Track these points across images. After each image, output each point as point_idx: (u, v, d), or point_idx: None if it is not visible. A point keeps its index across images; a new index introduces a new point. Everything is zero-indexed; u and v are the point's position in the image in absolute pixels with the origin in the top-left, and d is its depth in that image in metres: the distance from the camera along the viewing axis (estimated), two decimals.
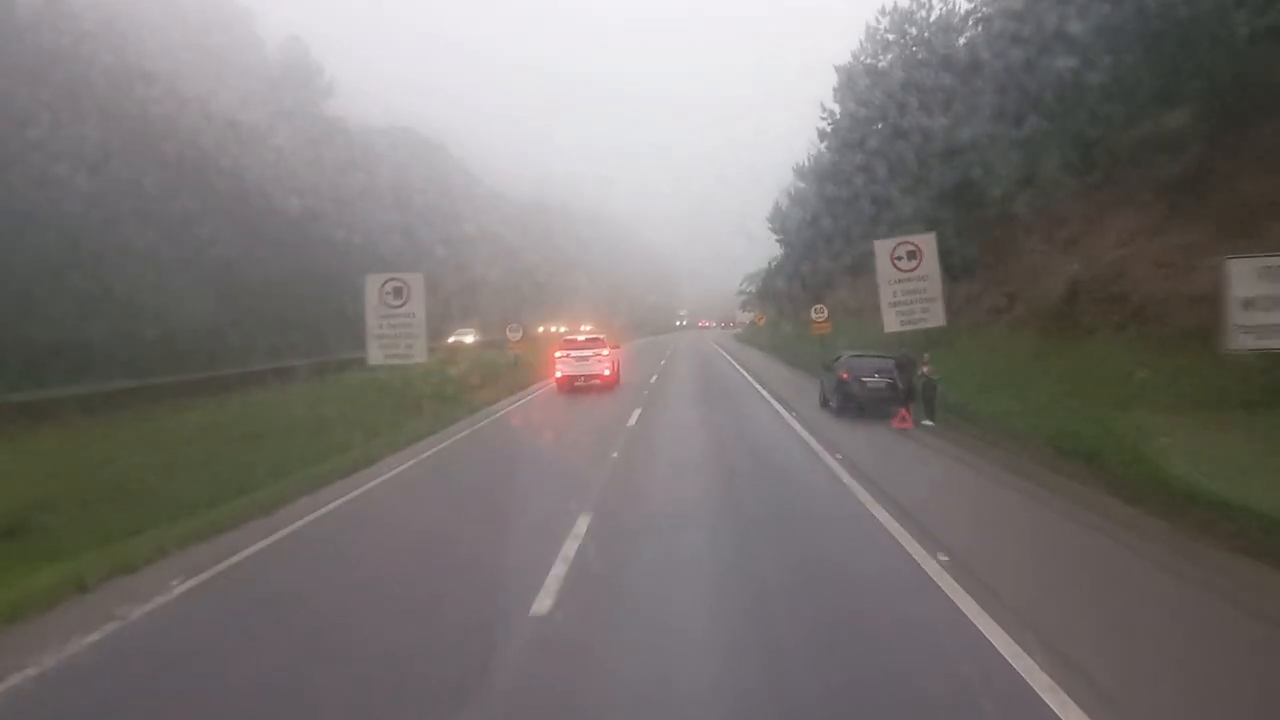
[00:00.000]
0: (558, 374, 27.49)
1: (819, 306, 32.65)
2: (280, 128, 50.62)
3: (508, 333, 33.80)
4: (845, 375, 18.71)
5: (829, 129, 41.76)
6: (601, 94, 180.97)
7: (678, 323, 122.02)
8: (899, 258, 19.17)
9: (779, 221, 56.44)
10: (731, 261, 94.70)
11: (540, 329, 64.54)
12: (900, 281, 19.20)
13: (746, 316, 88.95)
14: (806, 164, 49.51)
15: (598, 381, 27.38)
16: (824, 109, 41.91)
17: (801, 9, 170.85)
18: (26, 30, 33.71)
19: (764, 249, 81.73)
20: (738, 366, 38.98)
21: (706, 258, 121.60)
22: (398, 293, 18.45)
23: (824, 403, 20.52)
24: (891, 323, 19.35)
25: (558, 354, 28.03)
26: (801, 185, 50.76)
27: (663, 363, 41.89)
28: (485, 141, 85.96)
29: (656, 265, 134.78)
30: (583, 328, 46.19)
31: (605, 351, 28.12)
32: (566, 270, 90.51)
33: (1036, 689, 5.08)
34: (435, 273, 59.00)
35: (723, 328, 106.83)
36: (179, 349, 28.07)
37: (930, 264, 19.18)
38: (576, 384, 27.26)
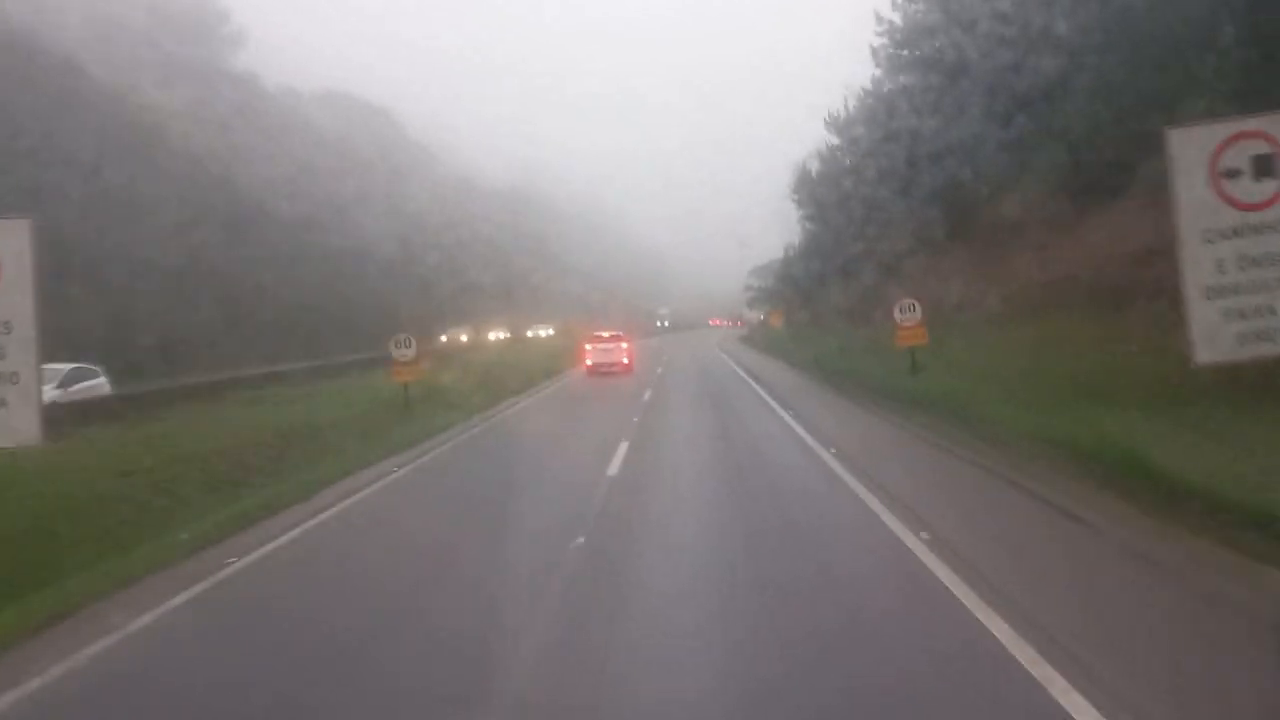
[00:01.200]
0: (588, 362, 34.87)
1: (909, 302, 20.63)
2: (173, 81, 43.52)
3: (392, 348, 21.18)
4: None
5: (888, 45, 32.34)
6: (595, 93, 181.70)
7: (659, 323, 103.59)
8: (1231, 173, 8.14)
9: (806, 191, 45.92)
10: (727, 262, 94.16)
11: (466, 335, 53.93)
12: (1239, 234, 8.15)
13: (755, 315, 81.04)
14: (844, 112, 40.18)
15: (618, 368, 34.04)
16: (880, 20, 32.71)
17: (797, 9, 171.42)
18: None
19: (761, 250, 79.68)
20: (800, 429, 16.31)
21: (704, 257, 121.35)
22: None
23: None
24: (1219, 339, 8.13)
25: (588, 346, 35.93)
26: (835, 141, 41.44)
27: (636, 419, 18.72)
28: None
29: (652, 265, 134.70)
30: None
31: (624, 344, 35.54)
32: (562, 275, 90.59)
33: None
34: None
35: (731, 325, 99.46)
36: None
37: None
38: (601, 370, 33.96)
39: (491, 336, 56.08)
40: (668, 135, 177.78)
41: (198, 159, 40.54)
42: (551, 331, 68.80)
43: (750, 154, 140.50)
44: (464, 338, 51.72)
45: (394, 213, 57.39)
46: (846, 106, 39.55)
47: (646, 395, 23.28)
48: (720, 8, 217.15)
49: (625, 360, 34.56)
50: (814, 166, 44.75)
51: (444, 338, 48.07)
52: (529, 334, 62.77)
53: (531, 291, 77.01)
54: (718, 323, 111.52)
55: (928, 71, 27.49)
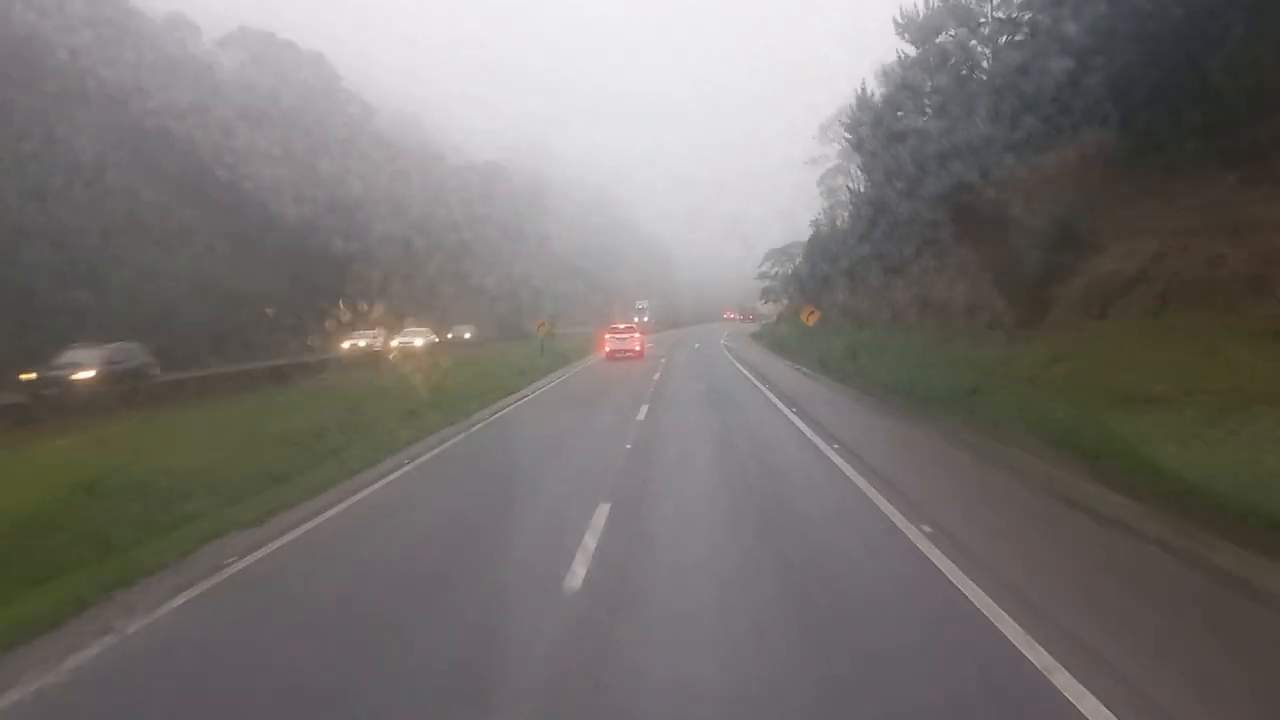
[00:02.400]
0: (606, 349, 40.09)
1: None
2: None
3: None
4: None
5: None
6: (598, 95, 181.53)
7: (636, 319, 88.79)
8: None
9: (868, 122, 31.74)
10: (733, 256, 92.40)
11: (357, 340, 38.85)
12: None
13: (769, 308, 70.39)
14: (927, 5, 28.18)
15: (632, 354, 39.17)
16: None
17: (796, 12, 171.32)
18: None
19: (767, 241, 75.11)
20: None
21: (710, 252, 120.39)
22: None
23: None
24: None
25: (606, 335, 41.55)
26: (912, 51, 29.17)
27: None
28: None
29: (659, 262, 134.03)
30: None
31: (637, 335, 42.20)
32: (567, 277, 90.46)
33: None
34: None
35: (745, 319, 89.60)
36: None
37: None
38: (617, 356, 38.88)
39: (346, 345, 37.81)
40: (672, 131, 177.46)
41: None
42: (464, 335, 53.80)
43: (751, 153, 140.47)
44: (356, 342, 37.81)
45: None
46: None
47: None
48: (721, 7, 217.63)
49: (637, 348, 40.65)
50: (877, 91, 32.39)
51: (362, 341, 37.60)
52: (396, 342, 40.91)
53: (534, 295, 76.98)
54: (731, 316, 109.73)
55: None
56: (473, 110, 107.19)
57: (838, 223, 46.01)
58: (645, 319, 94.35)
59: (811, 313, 37.08)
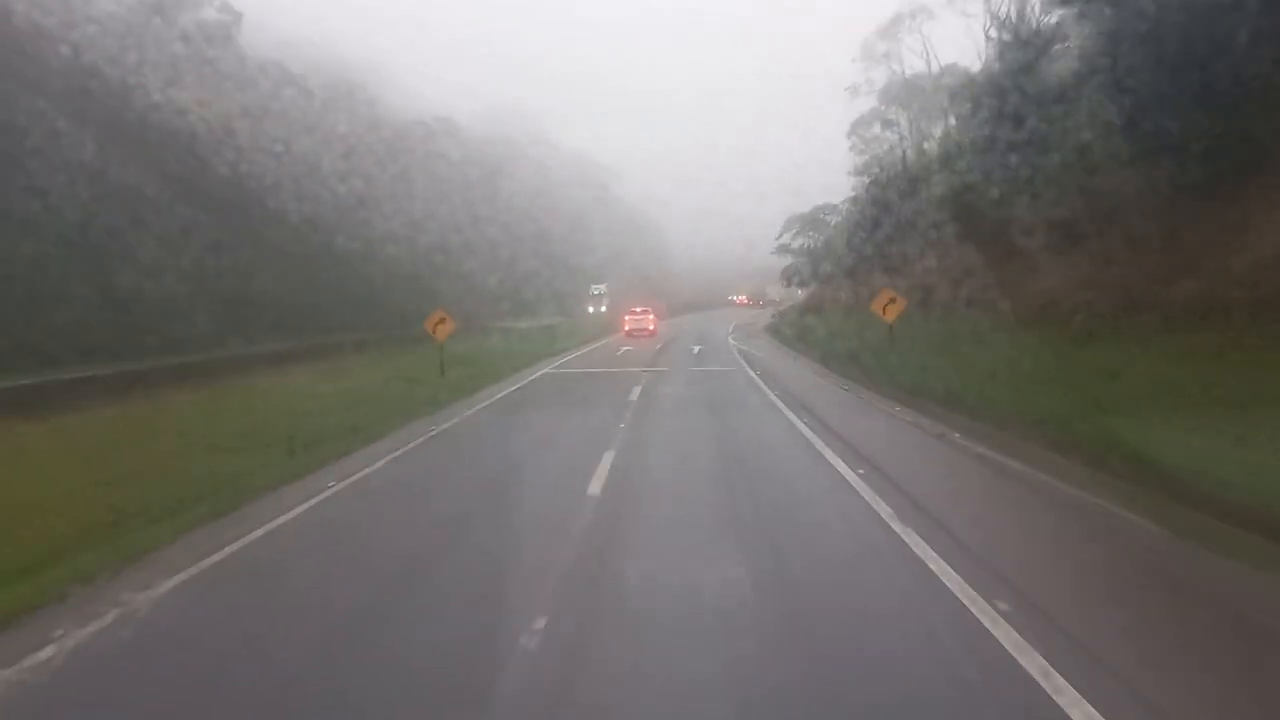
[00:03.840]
0: (626, 328, 45.46)
1: None
2: None
3: None
4: None
5: None
6: (606, 88, 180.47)
7: (591, 308, 79.07)
8: None
9: None
10: (735, 240, 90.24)
11: None
12: None
13: (782, 293, 57.54)
14: None
15: (646, 333, 43.92)
16: None
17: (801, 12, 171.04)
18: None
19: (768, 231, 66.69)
20: None
21: (711, 237, 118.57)
22: None
23: None
24: None
25: (626, 316, 47.51)
26: None
27: None
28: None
29: (649, 246, 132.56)
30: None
31: (651, 315, 47.65)
32: (568, 274, 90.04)
33: None
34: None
35: (759, 305, 74.38)
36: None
37: None
38: (634, 333, 43.85)
39: None
40: (670, 123, 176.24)
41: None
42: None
43: (753, 155, 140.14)
44: None
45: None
46: None
47: None
48: (725, 12, 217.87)
49: (651, 327, 45.63)
50: None
51: None
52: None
53: (537, 293, 76.48)
54: (744, 302, 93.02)
55: None
56: (472, 110, 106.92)
57: (906, 155, 32.84)
58: (604, 308, 78.26)
59: (892, 300, 23.22)
